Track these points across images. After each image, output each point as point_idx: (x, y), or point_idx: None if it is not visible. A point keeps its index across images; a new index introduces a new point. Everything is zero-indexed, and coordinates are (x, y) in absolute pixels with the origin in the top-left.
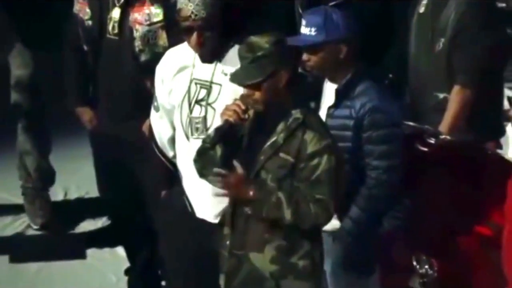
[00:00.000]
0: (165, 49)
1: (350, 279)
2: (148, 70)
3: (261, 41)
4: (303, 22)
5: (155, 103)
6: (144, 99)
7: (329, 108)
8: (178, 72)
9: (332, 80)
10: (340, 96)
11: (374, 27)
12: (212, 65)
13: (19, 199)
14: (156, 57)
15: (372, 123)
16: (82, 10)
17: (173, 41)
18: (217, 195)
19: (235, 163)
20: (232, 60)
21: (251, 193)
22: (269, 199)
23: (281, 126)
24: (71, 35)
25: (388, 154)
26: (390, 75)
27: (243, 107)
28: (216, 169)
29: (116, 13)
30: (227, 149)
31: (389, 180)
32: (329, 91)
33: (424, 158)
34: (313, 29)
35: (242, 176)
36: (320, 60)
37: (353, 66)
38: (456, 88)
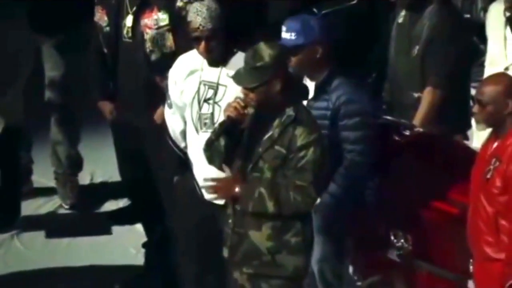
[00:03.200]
0: (172, 49)
1: (327, 245)
2: (158, 67)
3: (265, 52)
4: (284, 28)
5: (169, 101)
6: (154, 92)
7: (309, 101)
8: (189, 75)
9: (311, 78)
10: (319, 90)
11: (358, 34)
12: (218, 68)
13: (52, 183)
14: (164, 56)
15: (347, 112)
16: (101, 19)
17: (181, 43)
18: (210, 199)
19: (224, 167)
20: (235, 65)
21: (237, 192)
22: (252, 195)
23: (276, 122)
24: (93, 41)
25: (361, 139)
26: (373, 75)
27: (242, 104)
28: (205, 177)
29: (129, 19)
30: (230, 141)
31: (363, 161)
32: (310, 87)
33: (400, 147)
34: (293, 34)
35: (229, 179)
36: (300, 60)
37: (328, 65)
38: (428, 89)
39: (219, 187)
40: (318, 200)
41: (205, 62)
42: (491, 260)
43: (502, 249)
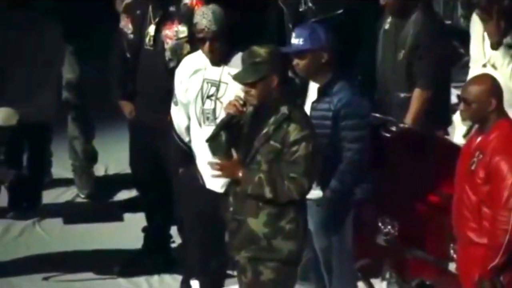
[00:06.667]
0: None
1: (328, 237)
2: (175, 73)
3: (260, 50)
4: (293, 35)
5: (175, 99)
6: (171, 96)
7: (313, 102)
8: (193, 74)
9: (315, 80)
10: (321, 93)
11: (346, 39)
12: (220, 67)
13: (70, 174)
14: None
15: (346, 114)
16: (126, 26)
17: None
18: (214, 176)
19: (232, 151)
20: (236, 64)
21: (240, 174)
22: (252, 179)
23: (272, 119)
24: (117, 45)
25: (358, 139)
26: (359, 77)
27: (241, 102)
28: (209, 161)
29: (152, 29)
30: (230, 135)
31: (360, 159)
32: (313, 89)
33: (388, 142)
34: (301, 40)
35: (234, 162)
36: (306, 64)
37: (331, 70)
38: (417, 90)
39: (224, 166)
40: (321, 194)
41: (208, 61)
42: (474, 244)
43: (484, 234)
